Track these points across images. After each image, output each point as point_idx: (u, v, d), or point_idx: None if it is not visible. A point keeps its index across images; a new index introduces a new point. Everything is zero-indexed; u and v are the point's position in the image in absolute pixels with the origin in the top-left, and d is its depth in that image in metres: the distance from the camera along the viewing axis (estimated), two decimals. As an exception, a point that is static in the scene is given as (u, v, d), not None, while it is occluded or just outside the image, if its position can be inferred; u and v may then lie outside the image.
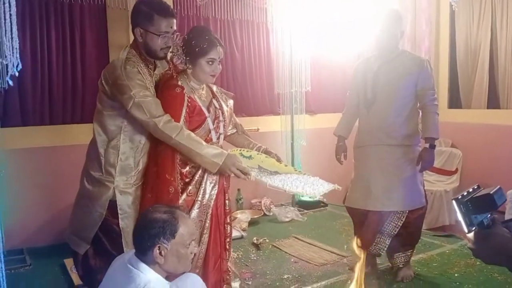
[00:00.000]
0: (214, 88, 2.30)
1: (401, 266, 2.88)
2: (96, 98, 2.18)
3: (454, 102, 5.30)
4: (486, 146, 4.69)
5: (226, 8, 4.27)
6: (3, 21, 1.42)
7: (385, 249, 2.86)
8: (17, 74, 1.51)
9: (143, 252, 1.50)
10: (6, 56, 1.41)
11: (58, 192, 3.48)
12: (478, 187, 1.17)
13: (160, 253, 1.48)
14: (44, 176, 3.51)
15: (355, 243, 2.69)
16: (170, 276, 1.64)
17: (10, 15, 1.41)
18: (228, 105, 2.30)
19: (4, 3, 1.42)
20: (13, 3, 1.43)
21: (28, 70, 3.45)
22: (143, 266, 1.50)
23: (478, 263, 3.10)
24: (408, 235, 2.85)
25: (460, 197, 1.11)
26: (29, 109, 3.52)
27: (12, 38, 1.41)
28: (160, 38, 2.03)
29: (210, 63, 2.07)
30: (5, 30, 1.42)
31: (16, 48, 1.44)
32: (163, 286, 1.52)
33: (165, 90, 2.08)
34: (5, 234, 1.89)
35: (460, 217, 1.08)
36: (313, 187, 2.14)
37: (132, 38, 3.83)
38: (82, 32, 3.73)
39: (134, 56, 2.06)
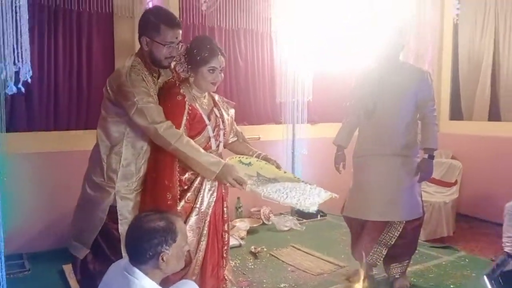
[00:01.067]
0: (216, 97, 2.35)
1: (397, 276, 2.90)
2: (100, 105, 2.23)
3: (456, 113, 5.34)
4: (486, 158, 4.71)
5: (231, 18, 4.34)
6: (15, 29, 1.47)
7: (382, 259, 2.89)
8: (29, 80, 1.56)
9: (141, 261, 1.53)
10: (16, 63, 1.46)
11: (59, 197, 3.51)
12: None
13: (162, 259, 1.52)
14: (46, 181, 3.54)
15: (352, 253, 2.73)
16: (165, 282, 1.67)
17: (22, 23, 1.46)
18: (229, 114, 2.35)
19: (16, 12, 1.47)
20: (25, 11, 1.48)
21: (35, 76, 3.50)
22: (139, 273, 1.53)
23: (474, 274, 3.12)
24: (405, 245, 2.87)
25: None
26: (34, 114, 3.58)
27: (23, 46, 1.46)
28: (166, 47, 2.09)
29: (211, 71, 2.12)
30: (17, 39, 1.47)
31: (27, 56, 1.49)
32: (157, 294, 1.55)
33: (167, 97, 2.14)
34: (5, 238, 1.93)
35: None
36: (309, 198, 2.16)
37: (138, 46, 3.92)
38: (89, 39, 3.79)
39: (139, 64, 2.11)
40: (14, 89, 1.48)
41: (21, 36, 1.46)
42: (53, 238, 3.49)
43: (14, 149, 3.36)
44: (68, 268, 3.09)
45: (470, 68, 5.13)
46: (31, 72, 1.55)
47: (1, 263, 1.65)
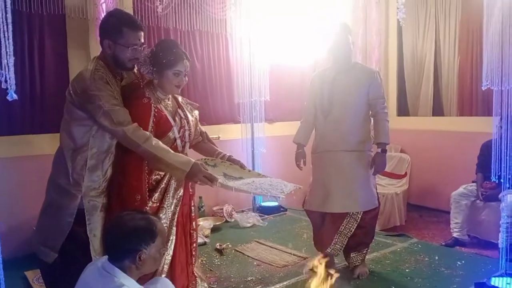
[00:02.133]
0: (180, 98, 2.39)
1: (357, 264, 3.06)
2: (55, 108, 2.20)
3: (403, 110, 5.65)
4: (432, 151, 5.03)
5: (186, 19, 4.36)
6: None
7: (342, 248, 3.03)
8: (10, 88, 1.54)
9: (121, 258, 1.56)
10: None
11: (18, 203, 3.42)
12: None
13: (139, 258, 1.55)
14: (2, 188, 3.43)
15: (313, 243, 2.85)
16: (139, 279, 1.71)
17: (8, 33, 1.45)
18: (193, 115, 2.39)
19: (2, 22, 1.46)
20: (10, 21, 1.47)
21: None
22: (117, 271, 1.56)
23: (426, 259, 3.34)
24: (364, 235, 3.03)
25: None
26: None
27: (8, 54, 1.45)
28: (129, 50, 2.10)
29: (176, 75, 2.16)
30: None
31: (11, 64, 1.48)
32: (136, 289, 1.59)
33: (133, 100, 2.14)
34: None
35: None
36: (277, 188, 2.25)
37: (92, 47, 3.85)
38: (40, 42, 3.69)
39: (103, 67, 2.10)
40: (15, 96, 1.46)
41: (6, 43, 1.45)
42: (13, 246, 3.37)
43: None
44: (30, 274, 3.03)
45: (414, 67, 5.45)
46: (13, 79, 1.53)
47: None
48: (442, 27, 5.11)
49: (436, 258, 3.35)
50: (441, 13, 5.11)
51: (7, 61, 1.43)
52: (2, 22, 1.45)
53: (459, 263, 3.23)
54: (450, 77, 5.09)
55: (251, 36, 4.60)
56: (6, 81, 1.47)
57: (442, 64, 5.17)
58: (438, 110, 5.27)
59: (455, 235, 3.91)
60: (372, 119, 3.04)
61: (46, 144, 3.46)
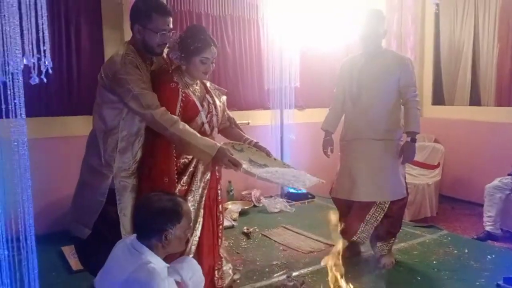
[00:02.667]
0: (208, 84, 2.42)
1: (383, 253, 3.03)
2: (90, 91, 2.27)
3: (438, 98, 5.49)
4: (467, 142, 4.89)
5: (218, 4, 4.38)
6: (34, 22, 1.51)
7: (369, 237, 3.02)
8: (50, 71, 1.61)
9: (148, 237, 1.62)
10: (35, 55, 1.51)
11: (54, 182, 3.56)
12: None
13: (165, 237, 1.61)
14: (40, 167, 3.57)
15: (339, 231, 2.85)
16: (167, 258, 1.77)
17: (42, 17, 1.51)
18: (221, 100, 2.42)
19: (36, 6, 1.51)
20: (44, 5, 1.52)
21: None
22: (145, 248, 1.63)
23: (456, 251, 3.28)
24: (390, 224, 3.00)
25: None
26: (25, 101, 3.58)
27: (43, 38, 1.51)
28: (158, 35, 2.14)
29: (204, 62, 2.19)
30: (37, 31, 1.52)
31: (47, 48, 1.54)
32: (162, 267, 1.65)
33: (161, 84, 2.19)
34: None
35: None
36: (300, 181, 2.27)
37: (126, 32, 3.93)
38: (77, 26, 3.79)
39: (133, 52, 2.15)
40: (37, 80, 1.53)
41: (42, 27, 1.51)
42: (51, 222, 3.54)
43: (8, 135, 3.38)
44: (67, 250, 3.18)
45: (451, 54, 5.27)
46: (51, 63, 1.60)
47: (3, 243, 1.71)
48: (481, 13, 4.90)
49: (466, 251, 3.28)
50: (480, -2, 4.90)
51: (43, 45, 1.48)
52: (39, 9, 1.50)
53: (489, 257, 3.15)
54: (489, 66, 4.90)
55: (283, 21, 4.56)
56: (44, 63, 1.53)
57: (480, 52, 4.97)
58: (475, 99, 5.09)
59: (487, 228, 3.81)
60: (402, 107, 2.98)
61: (80, 126, 3.59)
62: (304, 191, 2.26)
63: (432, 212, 4.53)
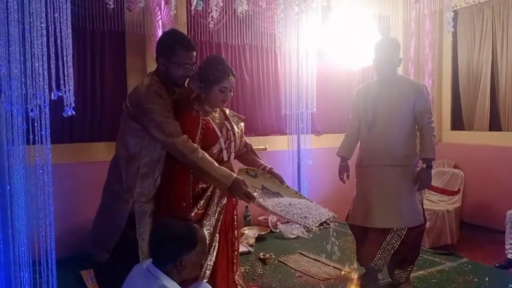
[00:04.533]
0: (227, 111, 2.50)
1: (401, 281, 2.99)
2: (113, 118, 2.37)
3: (457, 123, 5.45)
4: (487, 167, 4.81)
5: (237, 34, 4.51)
6: (60, 56, 1.62)
7: (386, 264, 2.98)
8: (73, 104, 1.71)
9: (163, 262, 1.67)
10: (61, 89, 1.62)
11: (75, 205, 3.66)
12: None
13: (180, 263, 1.65)
14: (62, 191, 3.69)
15: (356, 258, 2.84)
16: (182, 282, 1.80)
17: (67, 56, 1.62)
18: (239, 127, 2.49)
19: (62, 47, 1.62)
20: (70, 41, 1.63)
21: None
22: (160, 273, 1.67)
23: (476, 280, 3.21)
24: (408, 251, 2.96)
25: None
26: (51, 128, 3.73)
27: (68, 73, 1.62)
28: (181, 68, 2.24)
29: (222, 90, 2.27)
30: (63, 66, 1.62)
31: (71, 83, 1.65)
32: (177, 291, 1.69)
33: (183, 112, 2.27)
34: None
35: None
36: (311, 216, 2.25)
37: (148, 62, 4.08)
38: (102, 56, 3.97)
39: (157, 82, 2.25)
40: (70, 113, 1.63)
41: (67, 64, 1.62)
42: (70, 246, 3.61)
43: (33, 161, 3.52)
44: (85, 274, 3.23)
45: (469, 79, 5.25)
46: (73, 99, 1.71)
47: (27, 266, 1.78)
48: (499, 38, 4.90)
49: (487, 279, 3.20)
50: (498, 23, 4.90)
51: (67, 81, 1.59)
52: (64, 48, 1.61)
53: (510, 285, 3.07)
54: (508, 90, 4.86)
55: (299, 49, 4.66)
56: (66, 99, 1.63)
57: (499, 76, 4.95)
58: (495, 124, 5.04)
59: (509, 256, 3.72)
60: (418, 133, 2.99)
61: (102, 152, 3.71)
62: (315, 228, 2.24)
63: (453, 239, 4.44)
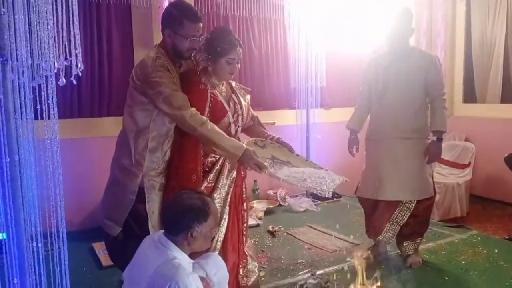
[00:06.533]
0: (233, 84, 2.46)
1: (410, 253, 3.01)
2: (121, 93, 2.35)
3: (469, 96, 5.35)
4: (499, 140, 4.74)
5: (245, 6, 4.43)
6: (66, 25, 1.60)
7: (394, 237, 3.00)
8: (80, 74, 1.69)
9: (175, 233, 1.68)
10: (68, 58, 1.59)
11: (86, 181, 3.70)
12: None
13: (191, 234, 1.67)
14: (72, 166, 3.72)
15: (365, 230, 2.84)
16: (192, 254, 1.82)
17: (74, 20, 1.60)
18: (246, 100, 2.46)
19: (69, 13, 1.60)
20: (76, 8, 1.60)
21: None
22: (171, 244, 1.68)
23: (485, 251, 3.21)
24: (417, 224, 2.97)
25: None
26: (59, 103, 3.73)
27: (75, 41, 1.60)
28: (188, 41, 2.20)
29: (230, 62, 2.23)
30: (69, 34, 1.60)
31: (79, 51, 1.63)
32: (188, 263, 1.71)
33: (190, 86, 2.25)
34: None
35: None
36: (324, 182, 2.25)
37: (155, 35, 4.03)
38: (108, 30, 3.93)
39: (163, 55, 2.21)
40: (64, 81, 1.62)
41: (73, 32, 1.60)
42: (82, 219, 3.68)
43: (42, 135, 3.54)
44: (97, 246, 3.29)
45: (482, 51, 5.13)
46: (82, 66, 1.69)
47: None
48: (514, 8, 4.76)
49: (496, 251, 3.21)
50: (513, -8, 4.75)
51: (75, 49, 1.57)
52: (71, 15, 1.58)
53: (520, 257, 3.08)
54: (522, 62, 4.76)
55: (308, 21, 4.57)
56: (76, 66, 1.61)
57: (513, 48, 4.84)
58: (507, 96, 4.94)
59: (520, 229, 3.71)
60: (429, 106, 2.95)
61: (111, 126, 3.71)
62: (327, 195, 2.22)
63: (463, 212, 4.44)
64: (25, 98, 1.41)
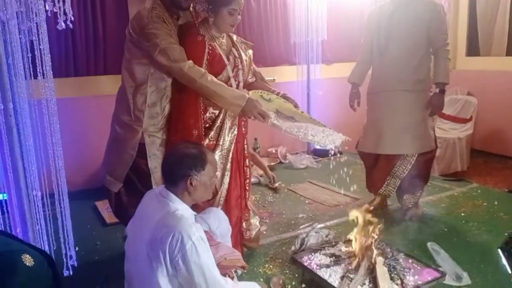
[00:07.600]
0: (234, 37, 2.39)
1: (410, 206, 3.03)
2: (116, 50, 2.29)
3: (473, 49, 5.25)
4: (502, 94, 4.70)
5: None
6: None
7: (395, 190, 3.01)
8: (72, 18, 1.63)
9: (175, 183, 1.68)
10: (56, 4, 1.53)
11: (87, 140, 3.68)
12: None
13: (191, 183, 1.66)
14: (71, 125, 3.69)
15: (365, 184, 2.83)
16: (195, 209, 1.83)
17: None
18: (247, 54, 2.40)
19: None
20: None
21: (52, 26, 3.56)
22: (173, 196, 1.68)
23: (485, 204, 3.24)
24: (418, 177, 2.96)
25: (504, 245, 1.27)
26: (54, 62, 3.65)
27: None
28: None
29: (232, 13, 2.16)
30: None
31: None
32: (190, 214, 1.71)
33: (188, 38, 2.19)
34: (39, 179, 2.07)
35: (505, 262, 1.21)
36: (325, 137, 2.23)
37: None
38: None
39: (159, 6, 2.15)
40: (64, 25, 1.56)
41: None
42: (84, 179, 3.68)
43: (39, 95, 3.49)
44: (100, 204, 3.32)
45: (487, 2, 4.98)
46: (71, 11, 1.62)
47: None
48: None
49: (496, 203, 3.24)
50: None
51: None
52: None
53: (520, 209, 3.11)
54: (529, 13, 4.62)
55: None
56: (64, 14, 1.55)
57: (520, -2, 4.68)
58: (512, 49, 4.84)
59: (520, 182, 3.73)
60: (432, 58, 2.88)
61: (109, 85, 3.66)
62: (331, 147, 2.21)
63: (463, 166, 4.44)
64: (15, 42, 1.35)
